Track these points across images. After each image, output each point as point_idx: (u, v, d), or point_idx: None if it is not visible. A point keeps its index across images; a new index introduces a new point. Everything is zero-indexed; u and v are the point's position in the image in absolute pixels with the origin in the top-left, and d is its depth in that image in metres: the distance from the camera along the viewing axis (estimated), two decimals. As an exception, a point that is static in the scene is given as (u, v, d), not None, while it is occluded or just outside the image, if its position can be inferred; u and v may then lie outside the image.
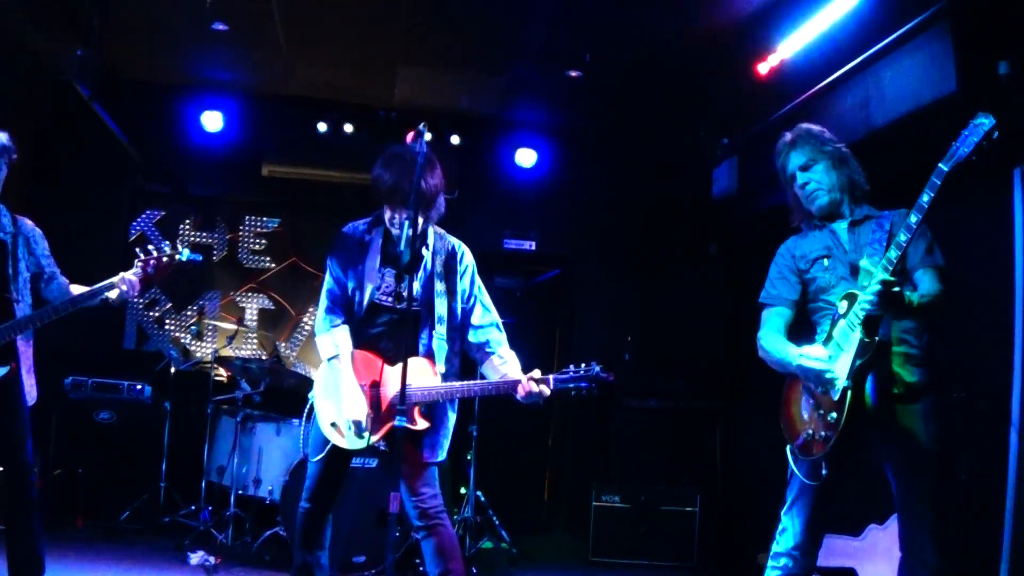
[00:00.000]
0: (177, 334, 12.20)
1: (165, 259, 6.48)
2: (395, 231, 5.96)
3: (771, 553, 5.32)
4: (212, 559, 8.60)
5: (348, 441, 5.90)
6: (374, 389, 5.87)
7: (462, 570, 5.81)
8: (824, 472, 5.03)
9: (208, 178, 12.22)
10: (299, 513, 6.07)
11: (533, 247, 12.79)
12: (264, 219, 12.47)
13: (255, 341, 12.09)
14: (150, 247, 6.53)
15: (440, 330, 5.97)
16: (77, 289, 6.48)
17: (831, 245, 5.34)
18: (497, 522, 9.97)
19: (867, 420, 4.98)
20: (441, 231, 6.25)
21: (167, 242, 6.67)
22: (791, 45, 8.23)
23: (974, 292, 7.02)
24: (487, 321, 6.18)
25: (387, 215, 6.02)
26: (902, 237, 4.71)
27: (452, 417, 6.13)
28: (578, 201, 12.69)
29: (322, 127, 11.60)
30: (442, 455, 6.01)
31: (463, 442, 9.93)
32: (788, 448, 5.30)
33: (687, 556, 9.95)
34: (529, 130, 12.45)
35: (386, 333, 5.95)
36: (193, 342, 12.05)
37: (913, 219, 4.66)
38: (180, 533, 9.25)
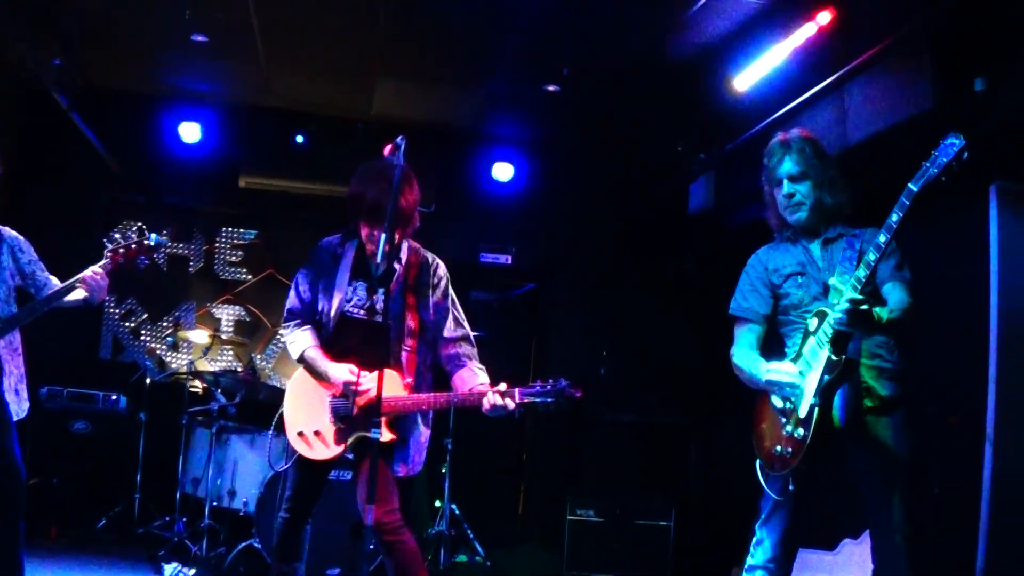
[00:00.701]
0: (153, 345, 12.18)
1: (134, 246, 6.49)
2: (370, 246, 5.99)
3: (746, 566, 5.35)
4: (186, 570, 8.60)
5: (315, 451, 5.95)
6: (341, 399, 5.93)
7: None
8: (791, 488, 5.07)
9: (185, 189, 12.21)
10: (276, 523, 6.10)
11: (509, 261, 12.80)
12: (241, 231, 12.47)
13: (230, 353, 12.08)
14: (116, 235, 6.55)
15: (410, 343, 6.01)
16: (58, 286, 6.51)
17: (805, 262, 5.36)
18: (471, 535, 10.00)
19: (838, 435, 5.03)
20: (416, 245, 6.29)
21: (134, 228, 6.68)
22: (768, 61, 8.26)
23: (950, 307, 7.06)
24: (459, 335, 6.20)
25: (364, 232, 6.03)
26: (871, 256, 4.74)
27: (424, 432, 6.15)
28: (554, 215, 12.71)
29: (299, 139, 11.60)
30: (412, 470, 6.07)
31: (438, 455, 9.95)
32: (757, 463, 5.32)
33: (661, 570, 9.96)
34: (506, 144, 12.48)
35: (357, 345, 5.95)
36: (168, 353, 12.04)
37: (882, 238, 4.69)
38: (154, 544, 9.24)
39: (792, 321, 5.37)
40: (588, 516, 10.06)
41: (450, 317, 6.20)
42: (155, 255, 6.76)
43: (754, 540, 5.35)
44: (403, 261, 6.12)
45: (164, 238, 6.77)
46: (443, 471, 9.87)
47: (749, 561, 5.34)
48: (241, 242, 12.47)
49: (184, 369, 10.69)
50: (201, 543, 9.06)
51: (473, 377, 6.10)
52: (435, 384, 6.26)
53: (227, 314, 12.35)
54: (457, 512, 9.98)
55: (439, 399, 5.95)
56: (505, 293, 13.56)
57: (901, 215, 4.64)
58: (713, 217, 10.32)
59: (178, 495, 9.54)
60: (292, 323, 6.23)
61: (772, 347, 5.45)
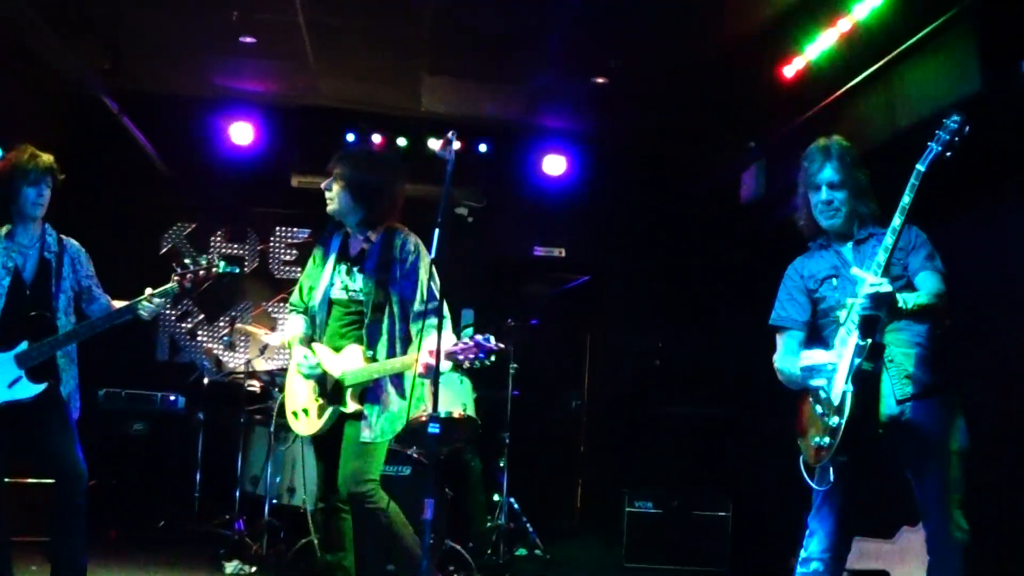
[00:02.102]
0: (209, 345, 12.26)
1: (202, 272, 6.55)
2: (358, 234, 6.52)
3: (799, 558, 5.34)
4: (247, 568, 8.65)
5: (304, 427, 6.44)
6: (321, 378, 6.32)
7: (372, 555, 6.43)
8: (831, 478, 5.07)
9: (238, 190, 12.29)
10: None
11: (562, 254, 12.80)
12: (294, 229, 12.54)
13: (287, 351, 12.12)
14: (187, 260, 6.60)
15: (376, 316, 6.26)
16: (118, 306, 6.59)
17: (838, 264, 5.38)
18: (530, 529, 9.99)
19: (881, 424, 5.03)
20: (395, 225, 6.57)
21: (204, 256, 6.74)
22: (816, 48, 8.22)
23: (1013, 293, 7.03)
24: (427, 308, 6.26)
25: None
26: (888, 240, 4.78)
27: (394, 400, 6.32)
28: (606, 207, 12.69)
29: (350, 137, 11.63)
30: (378, 437, 6.23)
31: (495, 449, 9.96)
32: (801, 459, 5.30)
33: (719, 561, 9.94)
34: (556, 137, 12.47)
35: (344, 326, 6.37)
36: (225, 353, 12.11)
37: (897, 221, 4.74)
38: (215, 543, 9.27)
39: (831, 323, 5.35)
40: (646, 508, 10.04)
41: (418, 291, 6.33)
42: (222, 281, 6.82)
43: (807, 532, 5.35)
44: (374, 241, 6.42)
45: (234, 267, 6.83)
46: (501, 465, 9.87)
47: (803, 553, 5.33)
48: (295, 241, 12.53)
49: (241, 368, 10.73)
50: (261, 541, 9.09)
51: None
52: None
53: (283, 313, 12.39)
54: (516, 506, 9.98)
55: (373, 368, 6.20)
56: (558, 287, 13.55)
57: (912, 196, 4.71)
58: (764, 206, 10.25)
59: (237, 494, 9.57)
60: (287, 314, 6.86)
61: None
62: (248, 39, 9.75)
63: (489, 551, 9.57)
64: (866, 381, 4.89)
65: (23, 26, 8.72)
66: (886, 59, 7.54)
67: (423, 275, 6.30)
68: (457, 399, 9.11)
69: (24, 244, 6.52)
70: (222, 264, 6.66)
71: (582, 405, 13.15)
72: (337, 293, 6.40)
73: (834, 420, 4.90)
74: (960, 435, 5.04)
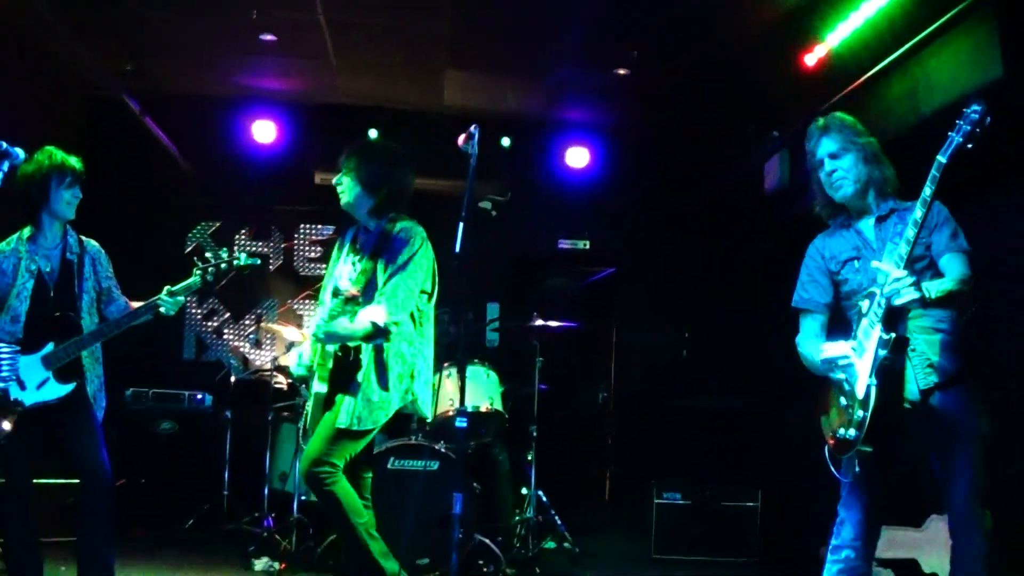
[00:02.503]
0: (236, 343, 12.30)
1: (223, 265, 6.59)
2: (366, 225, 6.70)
3: (830, 547, 5.34)
4: (277, 565, 8.68)
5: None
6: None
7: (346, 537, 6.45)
8: (857, 469, 5.06)
9: (261, 188, 12.32)
10: None
11: (587, 247, 12.80)
12: (319, 227, 12.57)
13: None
14: (208, 255, 6.64)
15: (365, 303, 6.30)
16: (137, 306, 6.66)
17: (860, 245, 5.35)
18: (559, 522, 9.98)
19: (905, 412, 5.02)
20: (402, 216, 6.67)
21: (224, 249, 6.80)
22: (837, 35, 8.21)
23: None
24: (376, 295, 6.28)
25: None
26: (910, 232, 4.74)
27: (374, 390, 6.25)
28: (630, 199, 12.69)
29: (372, 133, 11.64)
30: (353, 424, 6.19)
31: (523, 442, 9.96)
32: (826, 449, 5.30)
33: (749, 551, 9.93)
34: (579, 130, 12.48)
35: (343, 316, 6.38)
36: (252, 351, 12.14)
37: (918, 213, 4.70)
38: (244, 540, 9.29)
39: (854, 306, 5.29)
40: (675, 499, 10.04)
41: (379, 280, 6.33)
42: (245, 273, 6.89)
43: (836, 520, 5.36)
44: (377, 229, 6.56)
45: (255, 259, 6.87)
46: (529, 458, 9.86)
47: (833, 541, 5.33)
48: (319, 238, 12.56)
49: (268, 366, 10.75)
50: (290, 538, 9.12)
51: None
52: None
53: (309, 310, 12.43)
54: (544, 499, 9.98)
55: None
56: (584, 279, 13.56)
57: (933, 188, 4.65)
58: (788, 196, 10.23)
59: (266, 491, 9.59)
60: (315, 310, 7.05)
61: (839, 332, 5.42)
62: (269, 37, 9.78)
63: (518, 544, 9.57)
64: (890, 375, 4.88)
65: (45, 29, 8.77)
66: (908, 46, 7.52)
67: (391, 264, 6.32)
68: (484, 393, 9.13)
69: (47, 247, 6.59)
70: (243, 256, 6.69)
71: (609, 398, 13.16)
72: (344, 284, 6.43)
73: (859, 413, 4.89)
74: (984, 422, 5.02)
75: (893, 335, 4.80)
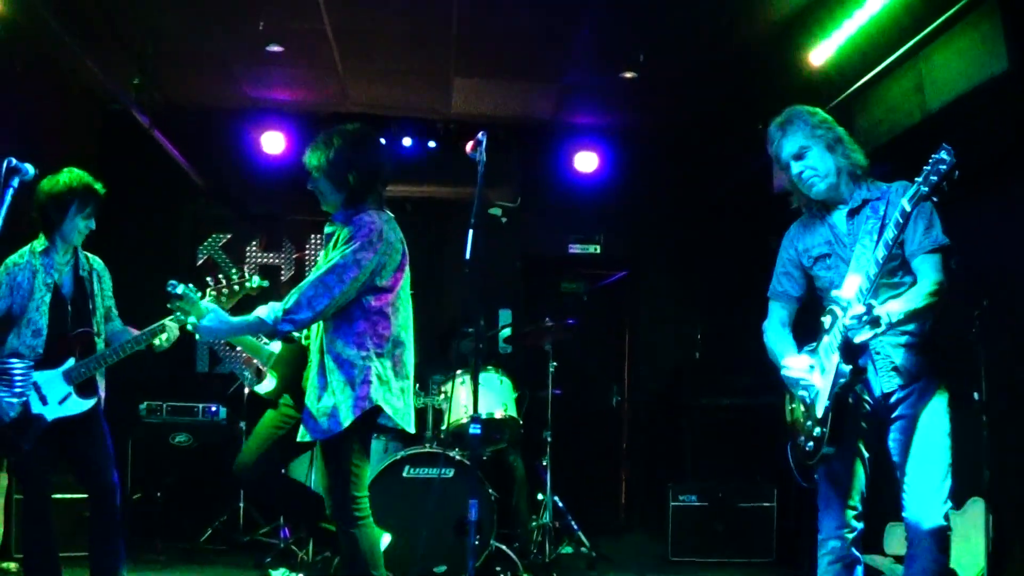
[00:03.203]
0: (249, 355, 12.30)
1: (236, 287, 6.61)
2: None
3: (818, 542, 5.41)
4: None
5: None
6: None
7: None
8: (816, 476, 5.26)
9: (272, 198, 12.34)
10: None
11: (598, 250, 12.81)
12: (330, 236, 12.56)
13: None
14: (220, 275, 6.67)
15: None
16: (135, 329, 6.75)
17: (831, 240, 5.35)
18: (575, 526, 9.99)
19: (866, 416, 5.19)
20: (354, 210, 6.13)
21: (235, 270, 6.84)
22: (842, 33, 8.20)
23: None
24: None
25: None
26: (872, 270, 4.76)
27: (325, 399, 5.74)
28: (640, 202, 12.71)
29: (381, 142, 11.65)
30: (309, 434, 5.81)
31: (538, 448, 9.97)
32: (788, 447, 5.47)
33: (766, 552, 9.93)
34: (587, 133, 12.47)
35: None
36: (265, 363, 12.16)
37: (881, 253, 4.71)
38: (260, 552, 9.32)
39: (828, 301, 5.32)
40: (691, 501, 10.05)
41: (331, 262, 5.85)
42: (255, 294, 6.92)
43: (819, 516, 5.44)
44: (339, 220, 6.15)
45: (265, 281, 6.88)
46: (544, 463, 9.87)
47: (820, 536, 5.41)
48: (331, 248, 12.55)
49: (281, 377, 10.77)
50: (307, 548, 9.13)
51: None
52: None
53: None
54: (560, 504, 9.98)
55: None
56: (595, 283, 13.56)
57: (896, 233, 4.64)
58: (797, 194, 10.24)
59: (282, 502, 9.62)
60: None
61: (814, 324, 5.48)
62: (276, 48, 9.79)
63: (535, 550, 9.58)
64: (846, 402, 5.00)
65: (55, 44, 8.79)
66: (913, 41, 7.51)
67: (341, 261, 5.72)
68: (498, 399, 9.14)
69: (60, 262, 6.63)
70: (255, 279, 6.71)
71: (623, 401, 13.16)
72: None
73: (818, 430, 5.03)
74: (946, 420, 5.07)
75: (850, 368, 4.88)
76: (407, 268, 6.06)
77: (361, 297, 5.77)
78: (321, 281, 5.65)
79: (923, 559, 5.00)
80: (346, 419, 5.61)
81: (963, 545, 6.75)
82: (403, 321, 6.02)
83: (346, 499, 5.75)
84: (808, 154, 5.29)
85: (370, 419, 5.77)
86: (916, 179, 4.51)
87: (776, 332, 5.63)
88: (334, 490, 5.78)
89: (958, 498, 7.01)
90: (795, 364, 5.22)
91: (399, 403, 5.86)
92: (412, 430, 6.12)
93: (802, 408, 5.24)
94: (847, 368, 4.87)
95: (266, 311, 5.66)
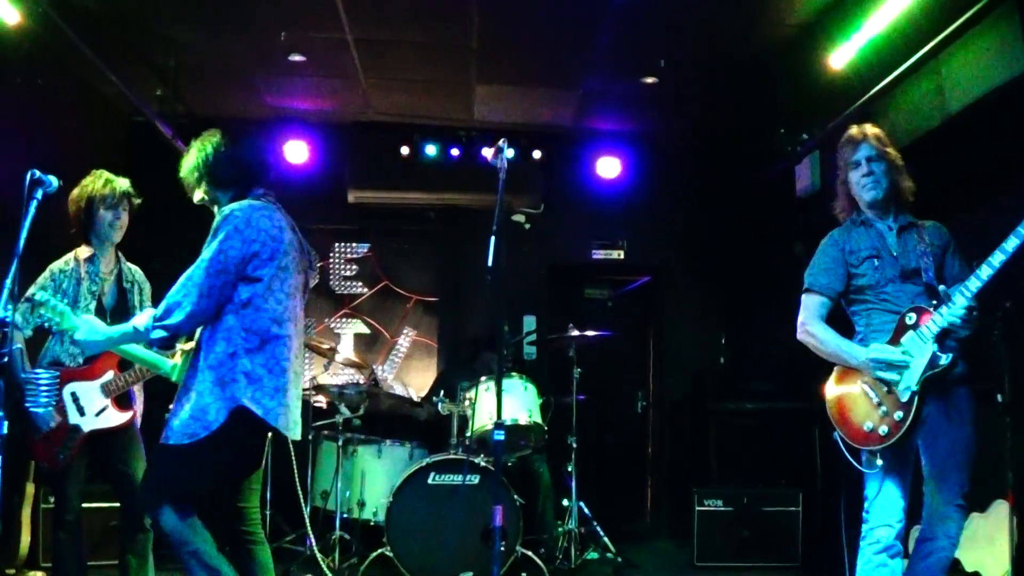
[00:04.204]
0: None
1: None
2: None
3: (862, 534, 5.58)
4: (320, 583, 8.72)
5: None
6: None
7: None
8: (880, 462, 5.42)
9: (295, 207, 12.30)
10: None
11: (622, 256, 12.81)
12: (353, 245, 12.60)
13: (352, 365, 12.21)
14: None
15: None
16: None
17: (879, 247, 5.74)
18: (601, 532, 9.99)
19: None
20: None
21: None
22: (862, 36, 8.20)
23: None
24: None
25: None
26: (972, 287, 5.16)
27: (195, 397, 5.34)
28: (663, 207, 12.71)
29: (404, 150, 11.69)
30: (171, 439, 5.35)
31: (563, 454, 9.98)
32: (837, 435, 5.68)
33: (791, 556, 9.90)
34: (609, 139, 12.48)
35: None
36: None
37: (996, 259, 5.06)
38: (287, 559, 9.32)
39: (865, 300, 5.78)
40: (716, 506, 10.03)
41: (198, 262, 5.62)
42: None
43: (865, 508, 5.59)
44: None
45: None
46: (569, 469, 9.87)
47: (869, 525, 5.56)
48: (354, 256, 12.59)
49: (307, 384, 10.80)
50: (333, 555, 9.16)
51: None
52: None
53: (346, 328, 12.48)
54: (586, 510, 9.99)
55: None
56: (619, 289, 13.56)
57: (990, 277, 5.09)
58: (820, 198, 10.21)
59: (307, 509, 9.63)
60: None
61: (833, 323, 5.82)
62: (298, 58, 9.84)
63: (560, 556, 9.59)
64: (933, 387, 5.32)
65: (75, 57, 8.83)
66: (932, 43, 7.51)
67: (202, 256, 5.55)
68: (523, 406, 9.14)
69: (104, 271, 6.69)
70: None
71: (648, 406, 13.15)
72: None
73: (899, 414, 5.31)
74: (976, 423, 5.42)
75: (950, 356, 5.24)
76: (289, 258, 5.77)
77: (232, 290, 5.44)
78: (187, 280, 5.40)
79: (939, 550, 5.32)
80: (215, 422, 5.23)
81: (987, 547, 6.75)
82: (279, 314, 5.52)
83: (161, 495, 5.45)
84: (880, 163, 5.74)
85: (242, 421, 5.28)
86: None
87: (825, 328, 5.85)
88: (157, 486, 5.47)
89: (982, 500, 7.02)
90: (887, 352, 5.46)
91: (272, 402, 5.34)
92: (291, 434, 5.56)
93: (871, 393, 5.47)
94: (944, 356, 5.23)
95: (142, 319, 5.38)
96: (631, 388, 13.24)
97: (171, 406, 5.41)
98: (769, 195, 11.55)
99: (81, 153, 10.08)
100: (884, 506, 5.44)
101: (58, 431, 6.37)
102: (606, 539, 9.95)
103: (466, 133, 11.87)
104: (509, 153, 5.95)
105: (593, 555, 9.93)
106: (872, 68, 8.43)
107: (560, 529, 9.84)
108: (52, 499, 7.81)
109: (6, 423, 4.81)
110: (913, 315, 5.42)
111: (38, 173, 5.12)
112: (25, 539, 8.54)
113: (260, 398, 5.29)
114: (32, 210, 5.08)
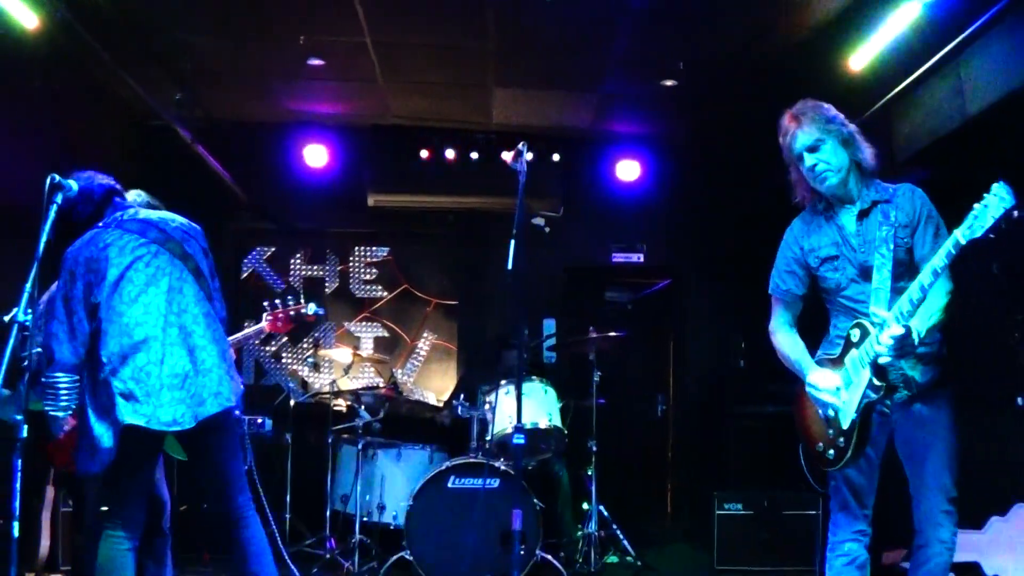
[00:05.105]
0: (294, 367, 12.36)
1: (292, 313, 6.69)
2: None
3: (829, 544, 5.48)
4: (341, 587, 8.73)
5: None
6: None
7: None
8: (832, 483, 5.32)
9: (315, 212, 12.40)
10: None
11: (641, 259, 12.79)
12: (373, 248, 12.61)
13: (371, 369, 12.20)
14: (277, 301, 6.75)
15: None
16: None
17: (839, 242, 5.35)
18: (621, 536, 9.97)
19: (881, 426, 5.19)
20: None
21: (291, 297, 6.91)
22: (881, 38, 8.18)
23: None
24: None
25: None
26: (916, 294, 4.72)
27: (93, 427, 5.39)
28: (683, 210, 12.69)
29: (423, 154, 11.69)
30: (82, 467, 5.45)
31: (583, 457, 9.97)
32: (800, 447, 5.54)
33: (812, 559, 9.87)
34: (628, 142, 12.48)
35: None
36: (311, 374, 12.21)
37: (927, 280, 4.66)
38: (307, 562, 9.33)
39: (834, 302, 5.46)
40: (736, 510, 10.00)
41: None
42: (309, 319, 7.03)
43: (831, 520, 5.49)
44: None
45: (321, 308, 6.96)
46: (589, 473, 9.87)
47: (832, 539, 5.46)
48: (374, 260, 12.61)
49: (327, 389, 10.81)
50: (353, 558, 9.16)
51: None
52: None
53: (366, 332, 12.49)
54: (605, 513, 9.97)
55: None
56: (639, 292, 13.56)
57: (946, 263, 4.60)
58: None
59: (327, 513, 9.64)
60: None
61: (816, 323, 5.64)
62: (317, 61, 9.85)
63: (580, 560, 9.58)
64: (872, 415, 5.07)
65: (92, 61, 8.86)
66: (951, 45, 7.49)
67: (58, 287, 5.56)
68: (543, 409, 9.13)
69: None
70: (312, 306, 6.81)
71: (668, 409, 13.14)
72: None
73: (841, 440, 5.09)
74: (954, 424, 5.16)
75: (884, 385, 4.92)
76: (130, 266, 5.55)
77: (91, 320, 5.44)
78: (47, 327, 5.46)
79: (935, 555, 5.13)
80: (108, 445, 5.29)
81: (1008, 552, 6.72)
82: (129, 323, 5.43)
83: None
84: (823, 147, 5.27)
85: (131, 439, 5.33)
86: (971, 211, 4.46)
87: (787, 337, 5.63)
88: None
89: (1002, 504, 7.00)
90: (823, 383, 5.20)
91: (148, 408, 5.30)
92: (177, 425, 5.40)
93: (823, 416, 5.26)
94: (880, 384, 4.91)
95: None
96: (651, 391, 13.23)
97: None
98: (789, 198, 11.53)
99: (98, 157, 10.10)
100: (849, 522, 5.36)
101: (74, 434, 6.37)
102: (626, 542, 9.93)
103: (485, 136, 11.86)
104: (528, 156, 5.94)
105: (613, 559, 9.92)
106: (891, 70, 8.41)
107: (580, 533, 9.83)
108: (71, 502, 7.82)
109: (26, 426, 4.81)
110: (857, 331, 5.10)
111: (58, 177, 5.13)
112: (45, 542, 8.55)
113: (140, 409, 5.30)
114: (52, 214, 5.09)
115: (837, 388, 5.13)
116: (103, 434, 5.27)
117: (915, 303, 4.71)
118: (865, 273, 5.17)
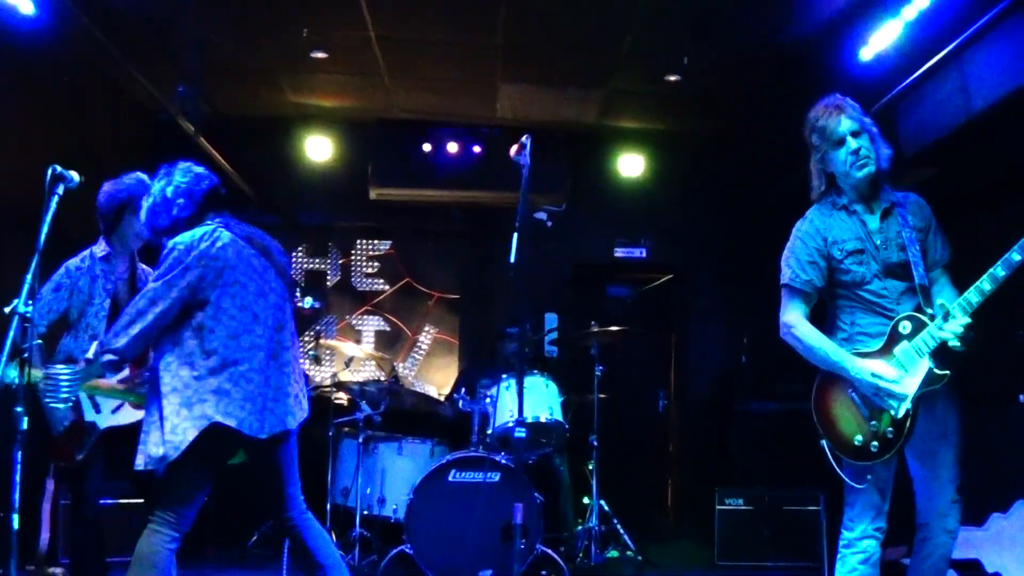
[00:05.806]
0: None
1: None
2: None
3: (846, 541, 5.43)
4: (341, 580, 8.71)
5: None
6: None
7: None
8: (869, 477, 5.22)
9: (317, 205, 12.39)
10: None
11: (644, 254, 12.78)
12: (375, 242, 12.61)
13: (373, 362, 12.19)
14: None
15: None
16: None
17: (863, 237, 5.36)
18: (622, 531, 9.96)
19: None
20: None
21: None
22: (886, 34, 8.16)
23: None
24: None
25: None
26: (972, 295, 4.92)
27: (162, 421, 5.40)
28: (686, 205, 12.68)
29: (427, 147, 11.68)
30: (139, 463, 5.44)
31: (584, 452, 9.96)
32: (825, 444, 5.42)
33: (812, 556, 9.86)
34: (633, 138, 12.48)
35: None
36: (312, 367, 12.20)
37: (1000, 272, 4.82)
38: (308, 556, 9.34)
39: (849, 297, 5.43)
40: (737, 505, 10.01)
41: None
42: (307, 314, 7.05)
43: (847, 516, 5.47)
44: None
45: (317, 302, 6.95)
46: (590, 468, 9.87)
47: (849, 535, 5.42)
48: (376, 253, 12.60)
49: (328, 382, 10.80)
50: (353, 552, 9.15)
51: None
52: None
53: (367, 325, 12.49)
54: (607, 508, 9.97)
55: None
56: (641, 287, 13.54)
57: (992, 287, 4.83)
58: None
59: (328, 506, 9.62)
60: None
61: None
62: (321, 55, 9.84)
63: (581, 554, 9.58)
64: (927, 404, 5.11)
65: (100, 55, 8.86)
66: (956, 42, 7.48)
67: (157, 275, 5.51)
68: (544, 404, 9.12)
69: (120, 271, 6.65)
70: (308, 300, 6.79)
71: (669, 405, 13.13)
72: None
73: (891, 431, 5.06)
74: (962, 423, 5.24)
75: (948, 372, 4.99)
76: (244, 272, 5.73)
77: (188, 314, 5.47)
78: (133, 308, 5.42)
79: (941, 544, 5.24)
80: (183, 442, 5.31)
81: (1010, 548, 6.71)
82: (238, 329, 5.54)
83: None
84: (863, 136, 5.31)
85: (213, 437, 5.38)
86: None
87: (812, 330, 5.56)
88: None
89: (1004, 501, 6.99)
90: (885, 372, 5.13)
91: (243, 413, 5.46)
92: (261, 434, 5.64)
93: (862, 407, 5.20)
94: (944, 373, 4.99)
95: (90, 350, 5.54)
96: (653, 387, 13.22)
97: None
98: (792, 194, 11.52)
99: (106, 150, 10.11)
100: (870, 519, 5.32)
101: (74, 428, 6.36)
102: (627, 537, 9.92)
103: (489, 131, 11.85)
104: (532, 150, 5.93)
105: (614, 553, 9.90)
106: (896, 66, 8.40)
107: (581, 527, 9.82)
108: (70, 496, 7.82)
109: (26, 419, 4.81)
110: (908, 324, 5.13)
111: (59, 168, 5.12)
112: (45, 535, 8.56)
113: (233, 411, 5.41)
114: (53, 205, 5.09)
115: (900, 378, 5.10)
116: (185, 428, 5.30)
117: (985, 294, 4.85)
118: (887, 270, 5.24)
